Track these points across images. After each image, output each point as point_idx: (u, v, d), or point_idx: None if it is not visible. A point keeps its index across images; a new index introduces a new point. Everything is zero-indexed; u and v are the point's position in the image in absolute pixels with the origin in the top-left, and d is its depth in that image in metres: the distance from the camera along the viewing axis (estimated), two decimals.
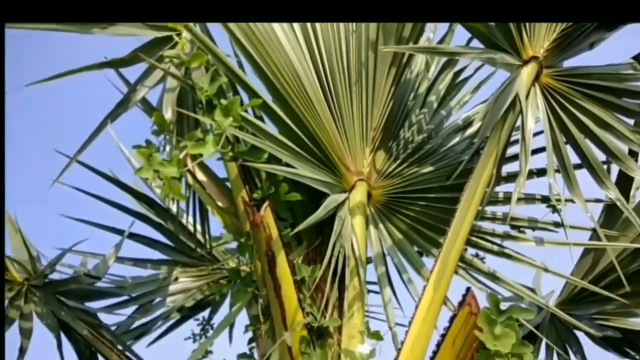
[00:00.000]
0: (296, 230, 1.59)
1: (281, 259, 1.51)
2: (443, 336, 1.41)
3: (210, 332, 2.26)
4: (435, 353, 1.40)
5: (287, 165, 1.71)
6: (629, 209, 1.79)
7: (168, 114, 1.55)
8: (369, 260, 1.89)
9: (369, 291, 2.09)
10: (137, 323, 2.29)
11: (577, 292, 2.13)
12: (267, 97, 1.73)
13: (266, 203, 1.50)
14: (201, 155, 1.36)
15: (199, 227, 2.25)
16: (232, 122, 1.39)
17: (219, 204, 1.79)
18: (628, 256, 2.05)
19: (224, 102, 1.41)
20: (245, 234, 1.64)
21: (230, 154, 1.56)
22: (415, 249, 1.95)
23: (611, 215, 2.09)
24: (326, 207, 1.68)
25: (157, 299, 2.32)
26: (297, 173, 1.68)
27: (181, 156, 1.33)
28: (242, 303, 1.67)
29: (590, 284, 1.96)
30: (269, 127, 1.72)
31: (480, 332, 1.16)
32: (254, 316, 1.71)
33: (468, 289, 1.40)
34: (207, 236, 2.18)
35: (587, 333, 2.14)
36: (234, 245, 2.05)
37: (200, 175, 1.84)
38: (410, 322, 1.63)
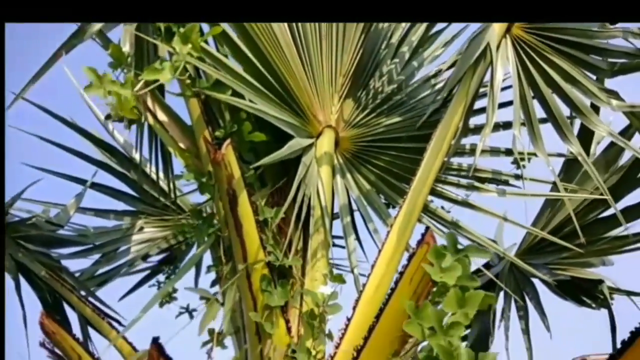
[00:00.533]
0: (257, 164, 1.57)
1: (243, 198, 1.49)
2: (401, 274, 1.43)
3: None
4: (393, 290, 1.42)
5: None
6: (589, 163, 1.83)
7: (126, 47, 1.49)
8: (336, 216, 1.89)
9: (334, 245, 2.10)
10: (101, 270, 2.27)
11: (535, 243, 2.19)
12: (232, 34, 1.67)
13: (228, 140, 1.47)
14: (157, 81, 1.31)
15: (162, 175, 2.21)
16: (191, 49, 1.34)
17: (181, 145, 1.75)
18: (585, 208, 2.11)
19: (182, 29, 1.36)
20: (206, 174, 1.61)
21: (188, 83, 1.51)
22: (383, 200, 1.97)
23: (571, 169, 2.14)
24: (290, 147, 1.66)
25: (122, 248, 2.30)
26: (261, 110, 1.65)
27: (137, 88, 1.28)
28: (206, 245, 1.66)
29: (548, 235, 2.02)
30: (233, 64, 1.67)
31: (431, 266, 1.18)
32: (217, 257, 1.71)
33: (427, 229, 1.41)
34: (171, 184, 2.14)
35: (545, 282, 2.23)
36: (200, 197, 2.03)
37: (162, 116, 1.79)
38: (372, 266, 1.64)
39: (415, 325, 1.04)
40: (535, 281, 2.24)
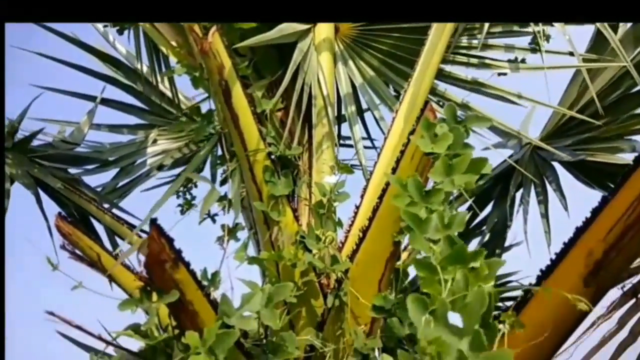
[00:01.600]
0: (243, 44, 1.51)
1: (236, 90, 1.44)
2: (402, 152, 1.39)
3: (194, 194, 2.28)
4: (394, 170, 1.39)
5: None
6: (607, 27, 1.67)
7: None
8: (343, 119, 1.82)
9: (342, 144, 2.06)
10: (120, 183, 2.32)
11: (559, 127, 2.09)
12: None
13: (214, 28, 1.40)
14: None
15: (167, 83, 2.17)
16: None
17: (173, 43, 1.69)
18: (612, 85, 1.98)
19: None
20: (199, 69, 1.57)
21: None
22: (390, 88, 1.88)
23: (599, 44, 1.98)
24: (281, 30, 1.58)
25: (138, 161, 2.33)
26: None
27: None
28: (210, 144, 1.64)
29: (569, 111, 1.92)
30: None
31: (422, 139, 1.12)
32: (220, 156, 1.70)
33: (426, 103, 1.35)
34: (174, 90, 2.11)
35: (570, 169, 2.15)
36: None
37: None
38: (379, 153, 1.61)
39: (403, 197, 1.00)
40: (560, 170, 2.17)
